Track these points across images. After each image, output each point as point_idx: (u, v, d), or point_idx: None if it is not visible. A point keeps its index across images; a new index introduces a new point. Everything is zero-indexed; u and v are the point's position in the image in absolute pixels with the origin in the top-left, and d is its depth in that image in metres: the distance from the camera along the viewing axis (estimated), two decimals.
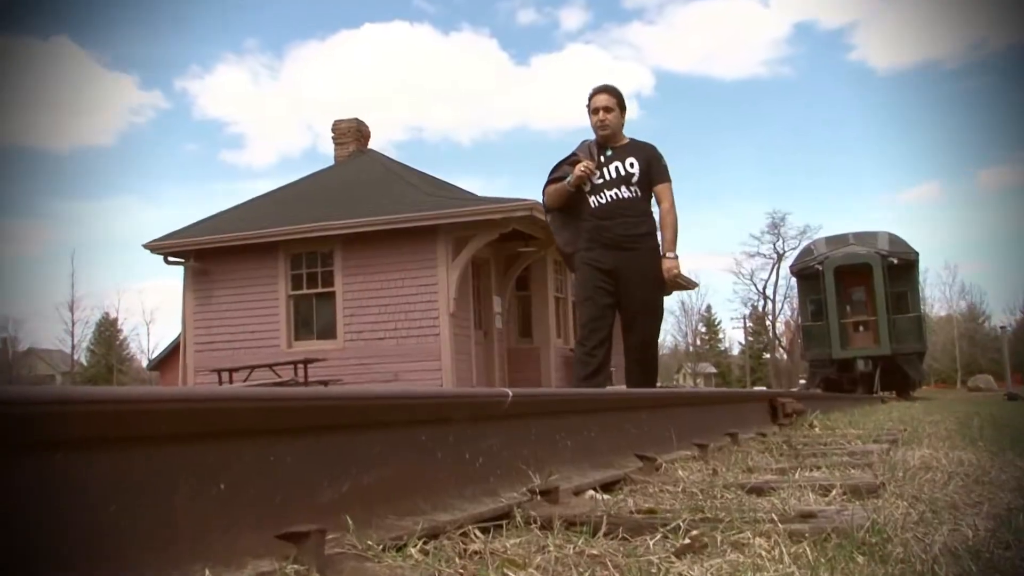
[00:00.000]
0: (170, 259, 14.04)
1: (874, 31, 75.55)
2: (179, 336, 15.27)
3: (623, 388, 4.76)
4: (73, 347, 47.73)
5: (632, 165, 4.46)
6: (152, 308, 61.13)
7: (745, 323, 58.93)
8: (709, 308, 65.18)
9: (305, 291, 13.39)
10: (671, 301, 54.73)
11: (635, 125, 71.02)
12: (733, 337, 69.49)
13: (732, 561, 1.25)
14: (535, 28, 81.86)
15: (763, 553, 1.28)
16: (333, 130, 16.79)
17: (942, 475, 2.24)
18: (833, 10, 78.99)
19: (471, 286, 13.21)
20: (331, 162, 16.84)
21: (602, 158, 4.50)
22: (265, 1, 77.67)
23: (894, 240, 19.60)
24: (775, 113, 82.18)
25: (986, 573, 1.15)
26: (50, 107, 62.17)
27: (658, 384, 5.21)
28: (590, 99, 4.56)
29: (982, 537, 1.36)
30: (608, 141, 4.53)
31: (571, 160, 4.55)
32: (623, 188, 4.44)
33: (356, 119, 16.84)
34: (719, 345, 66.93)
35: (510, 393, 1.79)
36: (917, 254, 19.77)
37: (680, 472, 2.35)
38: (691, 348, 64.67)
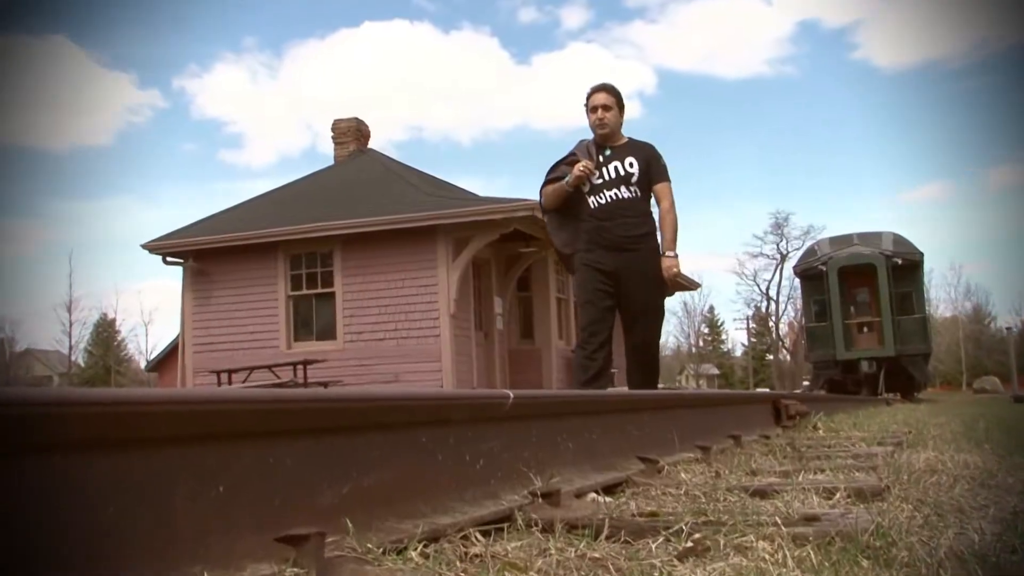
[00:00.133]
0: (169, 259, 14.06)
1: (878, 30, 75.56)
2: (178, 337, 15.28)
3: (625, 390, 4.76)
4: (71, 348, 47.80)
5: (631, 165, 4.44)
6: (150, 309, 61.31)
7: (748, 324, 58.90)
8: (712, 309, 65.20)
9: (305, 292, 13.40)
10: (673, 302, 54.82)
11: (637, 124, 70.99)
12: (736, 338, 69.57)
13: (735, 565, 1.24)
14: (536, 27, 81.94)
15: (766, 557, 1.28)
16: (333, 129, 16.80)
17: (948, 478, 2.24)
18: (836, 9, 79.08)
19: (472, 287, 13.22)
20: (331, 162, 16.85)
21: (601, 158, 4.48)
22: None
23: (898, 240, 19.59)
24: (778, 112, 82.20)
25: None
26: (48, 106, 62.29)
27: (660, 385, 5.21)
28: (588, 98, 4.54)
29: (988, 541, 1.36)
30: (607, 140, 4.51)
31: (569, 160, 4.52)
32: (623, 188, 4.42)
33: (356, 118, 16.85)
34: (722, 346, 66.91)
35: (511, 395, 1.79)
36: (922, 254, 19.76)
37: (683, 474, 2.35)
38: (694, 349, 64.66)
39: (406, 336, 12.62)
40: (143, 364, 46.62)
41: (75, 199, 74.80)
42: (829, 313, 18.83)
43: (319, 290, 13.31)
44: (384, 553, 1.25)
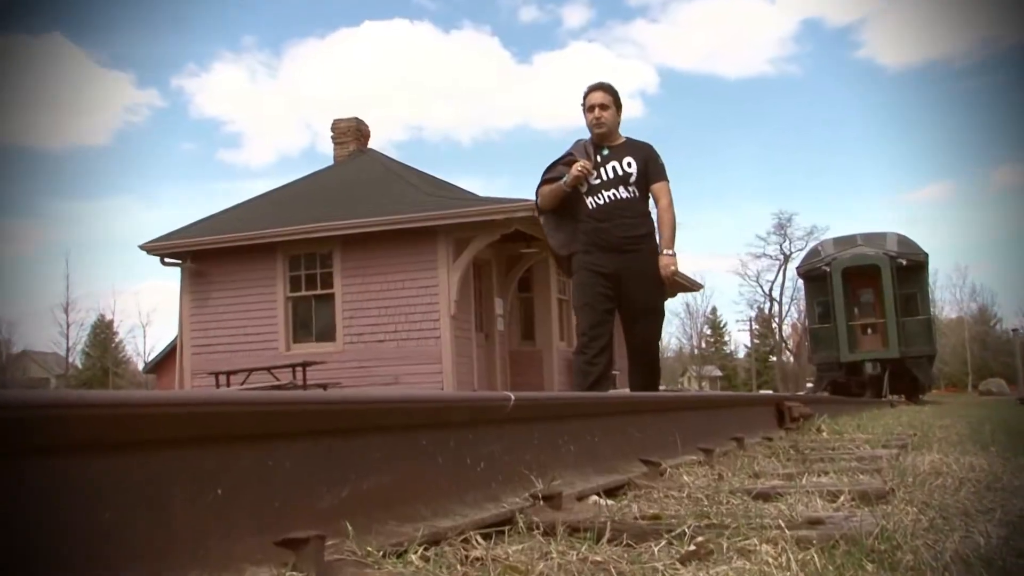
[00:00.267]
0: (167, 260, 14.07)
1: (882, 28, 75.56)
2: (176, 338, 15.29)
3: (627, 391, 4.76)
4: (68, 349, 47.78)
5: (630, 165, 4.41)
6: (148, 310, 61.33)
7: (751, 325, 58.89)
8: (714, 310, 65.19)
9: (304, 293, 13.41)
10: (676, 303, 54.82)
11: (639, 124, 71.15)
12: (739, 340, 69.43)
13: (738, 568, 1.24)
14: (537, 26, 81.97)
15: (770, 560, 1.28)
16: (332, 129, 16.82)
17: (953, 481, 2.24)
18: (840, 7, 78.97)
19: (472, 288, 13.22)
20: (330, 162, 16.86)
21: (598, 158, 4.44)
22: None
23: (903, 241, 19.58)
24: (781, 112, 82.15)
25: None
26: (45, 106, 62.35)
27: (662, 387, 5.21)
28: (585, 97, 4.51)
29: (994, 544, 1.36)
30: (604, 140, 4.48)
31: (566, 160, 4.49)
32: (621, 188, 4.39)
33: (356, 118, 16.87)
34: (724, 348, 66.89)
35: (512, 396, 1.79)
36: (927, 255, 19.75)
37: (685, 477, 2.35)
38: (696, 351, 64.65)
39: (406, 338, 12.63)
40: (141, 366, 46.64)
41: (73, 199, 74.92)
42: (833, 314, 18.82)
43: (318, 291, 13.31)
44: (384, 556, 1.25)
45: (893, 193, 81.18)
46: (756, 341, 59.77)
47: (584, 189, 4.43)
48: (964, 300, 62.05)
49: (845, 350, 18.55)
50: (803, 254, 26.65)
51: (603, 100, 4.46)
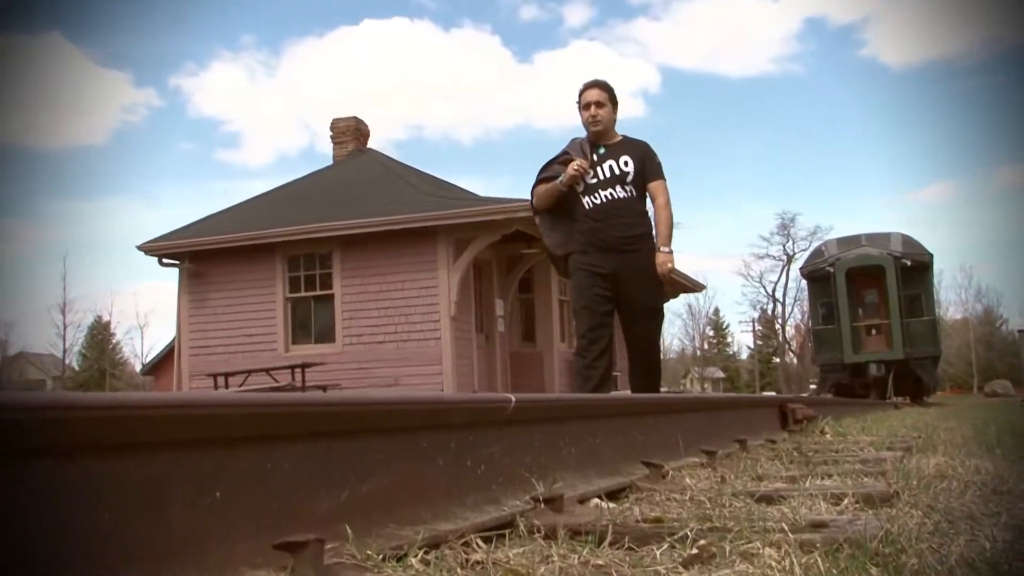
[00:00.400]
0: (165, 261, 14.07)
1: (886, 26, 75.55)
2: (174, 340, 15.30)
3: (628, 393, 4.76)
4: (65, 351, 47.85)
5: (626, 163, 4.38)
6: (146, 311, 61.42)
7: (754, 326, 58.88)
8: (717, 311, 65.18)
9: (303, 294, 13.41)
10: (678, 304, 54.82)
11: (641, 123, 71.12)
12: (742, 341, 69.36)
13: (741, 572, 1.24)
14: (538, 24, 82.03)
15: (773, 564, 1.27)
16: (331, 129, 16.82)
17: (958, 484, 2.24)
18: (843, 6, 79.03)
19: (473, 289, 13.22)
20: (329, 161, 16.87)
21: (595, 156, 4.42)
22: None
23: (907, 241, 19.57)
24: (784, 111, 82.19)
25: None
26: (42, 105, 62.40)
27: (664, 389, 5.21)
28: (580, 95, 4.48)
29: (1000, 548, 1.36)
30: (600, 138, 4.46)
31: (562, 159, 4.47)
32: (618, 188, 4.36)
33: (355, 118, 16.87)
34: (727, 349, 66.86)
35: (513, 398, 1.79)
36: (931, 255, 19.74)
37: (687, 480, 2.35)
38: (698, 352, 64.64)
39: (406, 339, 12.63)
40: (138, 367, 46.62)
41: (70, 199, 74.95)
42: (837, 315, 18.81)
43: (318, 292, 13.31)
44: (384, 560, 1.25)
45: (897, 193, 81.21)
46: (759, 342, 59.75)
47: (580, 188, 4.40)
48: (969, 301, 62.04)
49: (849, 351, 18.54)
50: (806, 254, 26.64)
51: (599, 98, 4.43)
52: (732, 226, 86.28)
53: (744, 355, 65.17)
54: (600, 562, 1.32)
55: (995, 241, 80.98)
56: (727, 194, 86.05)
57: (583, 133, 4.57)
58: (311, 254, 13.33)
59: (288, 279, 13.45)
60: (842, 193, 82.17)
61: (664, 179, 4.47)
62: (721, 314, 65.42)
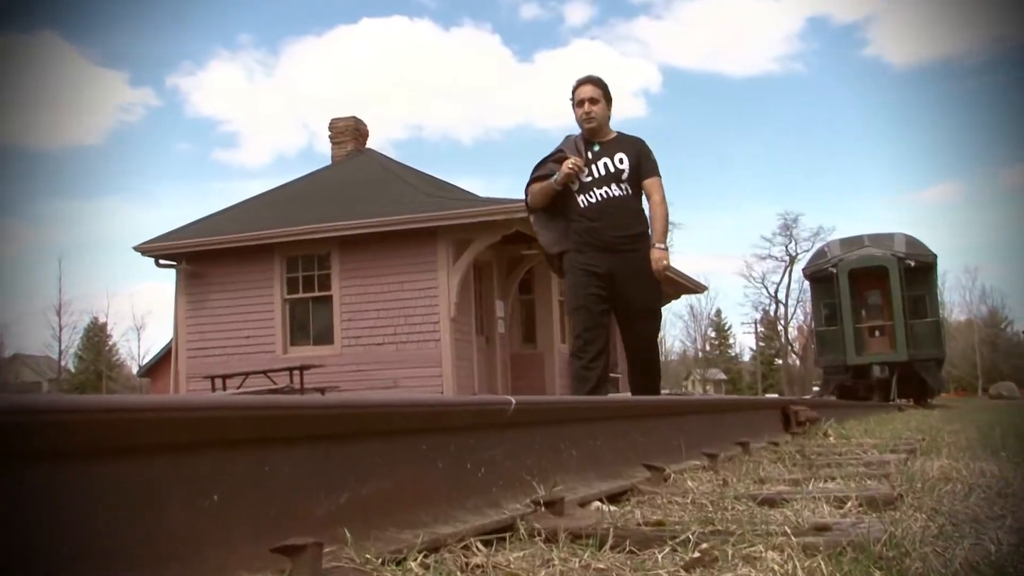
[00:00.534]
0: (162, 262, 14.07)
1: (889, 26, 75.58)
2: (171, 341, 15.31)
3: (628, 396, 4.76)
4: (60, 353, 47.84)
5: (621, 161, 4.35)
6: (143, 312, 61.41)
7: (756, 328, 58.88)
8: (719, 312, 65.20)
9: (301, 295, 13.41)
10: (680, 305, 54.81)
11: (642, 123, 71.12)
12: (744, 342, 69.44)
13: None
14: (539, 23, 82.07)
15: (776, 568, 1.27)
16: (330, 129, 16.83)
17: (963, 487, 2.24)
18: (846, 4, 79.06)
19: (473, 290, 13.22)
20: (328, 161, 16.87)
21: (589, 154, 4.39)
22: None
23: (911, 242, 19.57)
24: (786, 110, 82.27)
25: None
26: (38, 105, 62.43)
27: (666, 391, 5.21)
28: (574, 91, 4.46)
29: (1005, 552, 1.35)
30: (595, 135, 4.43)
31: (556, 157, 4.44)
32: (613, 186, 4.33)
33: (354, 117, 16.88)
34: (729, 351, 66.88)
35: (513, 401, 1.79)
36: (935, 256, 19.73)
37: (689, 483, 2.35)
38: (700, 354, 64.63)
39: (405, 340, 12.63)
40: (135, 369, 46.65)
41: (66, 199, 75.00)
42: (840, 317, 18.80)
43: (316, 293, 13.32)
44: (383, 563, 1.25)
45: (900, 193, 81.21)
46: (761, 344, 59.75)
47: (575, 187, 4.37)
48: (974, 302, 62.07)
49: (852, 353, 18.53)
50: (809, 255, 26.65)
51: (593, 94, 4.40)
52: (734, 227, 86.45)
53: (746, 357, 65.21)
54: (601, 566, 1.32)
55: (1000, 242, 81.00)
56: (729, 194, 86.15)
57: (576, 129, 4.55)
58: (310, 255, 13.33)
59: (286, 280, 13.45)
60: (845, 193, 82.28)
61: (659, 176, 4.44)
62: (723, 315, 65.50)
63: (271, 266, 13.41)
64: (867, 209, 77.31)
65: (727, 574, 1.25)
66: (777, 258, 54.78)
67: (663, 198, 4.40)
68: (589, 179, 4.36)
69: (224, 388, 11.88)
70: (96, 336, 51.70)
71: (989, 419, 7.77)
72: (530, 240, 13.40)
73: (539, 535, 1.55)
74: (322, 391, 11.13)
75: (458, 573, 1.28)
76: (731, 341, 66.80)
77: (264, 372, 11.76)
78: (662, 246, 4.33)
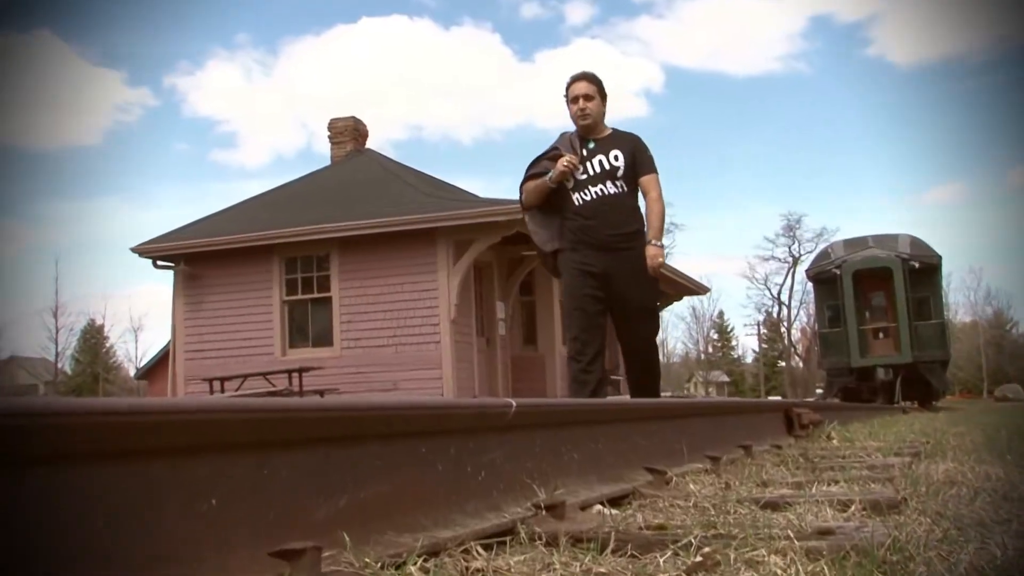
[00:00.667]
0: (159, 263, 14.08)
1: (893, 25, 75.60)
2: (168, 344, 15.30)
3: (629, 398, 4.76)
4: (57, 355, 47.83)
5: (617, 158, 4.33)
6: (140, 314, 61.28)
7: (759, 330, 58.88)
8: (721, 314, 65.18)
9: (300, 296, 13.41)
10: (682, 307, 54.80)
11: (644, 123, 71.13)
12: (747, 344, 69.42)
13: None
14: (539, 22, 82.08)
15: (779, 572, 1.27)
16: (329, 129, 16.84)
17: (968, 490, 2.23)
18: (850, 3, 79.11)
19: (473, 291, 13.22)
20: (327, 162, 16.88)
21: (584, 151, 4.36)
22: None
23: (916, 243, 19.57)
24: (789, 110, 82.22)
25: None
26: (34, 104, 62.47)
27: (668, 393, 5.22)
28: (568, 88, 4.43)
29: (1011, 557, 1.35)
30: (589, 132, 4.41)
31: (551, 154, 4.41)
32: (608, 183, 4.31)
33: (353, 117, 16.89)
34: (732, 353, 66.88)
35: (514, 403, 1.79)
36: (940, 257, 19.74)
37: (691, 486, 2.35)
38: (703, 356, 64.62)
39: (405, 342, 12.63)
40: (132, 372, 46.69)
41: (63, 200, 75.01)
42: (843, 318, 18.80)
43: (315, 295, 13.32)
44: (382, 568, 1.25)
45: (904, 194, 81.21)
46: (764, 346, 59.74)
47: (570, 185, 4.34)
48: (979, 304, 62.02)
49: (856, 355, 18.53)
50: (812, 256, 26.65)
51: (587, 90, 4.38)
52: (736, 227, 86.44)
53: (749, 359, 65.18)
54: (602, 570, 1.32)
55: (1007, 243, 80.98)
56: (731, 195, 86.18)
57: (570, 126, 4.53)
58: (308, 256, 13.33)
59: (285, 282, 13.45)
60: (848, 194, 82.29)
61: (656, 172, 4.42)
62: (725, 317, 65.49)
63: (270, 267, 13.42)
64: (871, 210, 77.37)
65: None
66: (780, 259, 54.79)
67: (660, 195, 4.38)
68: (584, 177, 4.33)
69: (222, 391, 11.88)
70: (93, 338, 51.72)
71: (994, 422, 7.76)
72: (531, 241, 13.39)
73: (540, 539, 1.55)
74: (321, 393, 11.13)
75: None
76: (734, 343, 66.86)
77: (263, 374, 11.77)
78: (658, 243, 4.31)
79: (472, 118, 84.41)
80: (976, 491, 2.21)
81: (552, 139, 4.59)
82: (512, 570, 1.32)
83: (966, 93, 73.65)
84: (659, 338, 4.81)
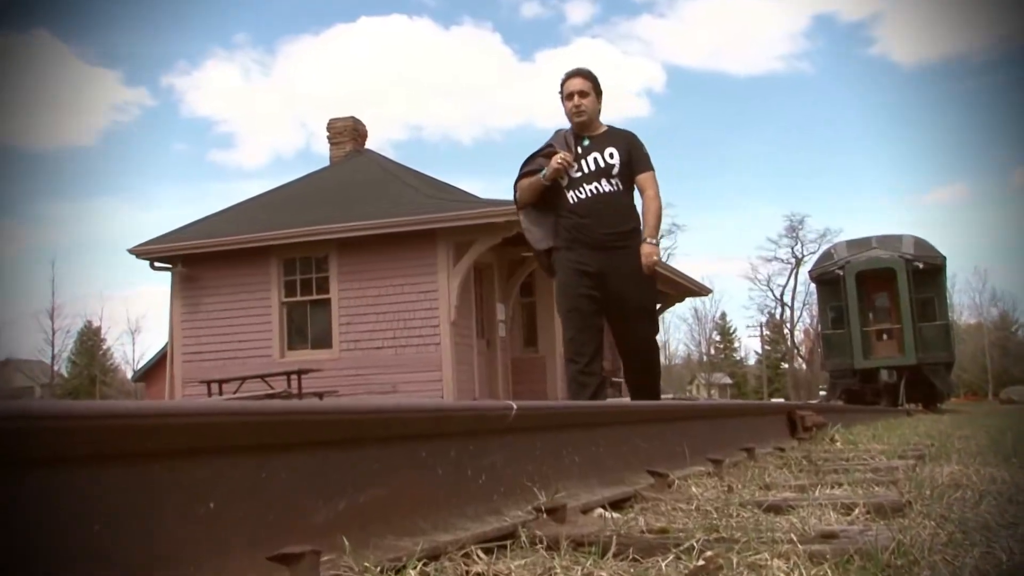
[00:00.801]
0: (157, 264, 14.09)
1: (896, 24, 75.63)
2: (166, 346, 15.30)
3: (630, 400, 4.76)
4: (53, 357, 47.86)
5: (612, 156, 4.30)
6: (138, 316, 61.30)
7: (762, 331, 58.87)
8: (724, 315, 65.19)
9: (299, 298, 13.42)
10: (684, 308, 54.83)
11: (645, 123, 71.11)
12: (749, 346, 69.53)
13: None
14: (540, 22, 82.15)
15: (781, 575, 1.27)
16: (328, 129, 16.86)
17: (973, 493, 2.23)
18: (852, 2, 79.11)
19: (473, 293, 13.22)
20: (326, 162, 16.90)
21: (579, 149, 4.34)
22: None
23: (919, 243, 19.58)
24: (791, 110, 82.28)
25: None
26: (30, 104, 62.49)
27: (669, 396, 5.21)
28: (563, 84, 4.42)
29: (1017, 561, 1.35)
30: (584, 129, 4.39)
31: (546, 152, 4.39)
32: (603, 181, 4.28)
33: (352, 117, 16.91)
34: (734, 354, 66.86)
35: (514, 406, 1.79)
36: (944, 258, 19.74)
37: (694, 489, 2.35)
38: (705, 357, 64.62)
39: (405, 344, 12.63)
40: (130, 374, 46.72)
41: (59, 201, 75.06)
42: (847, 320, 18.80)
43: (314, 296, 13.32)
44: (382, 572, 1.25)
45: (909, 194, 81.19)
46: (767, 347, 59.73)
47: (565, 182, 4.32)
48: (984, 305, 61.97)
49: (859, 357, 18.53)
50: (816, 257, 26.64)
51: (582, 87, 4.37)
52: (739, 228, 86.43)
53: (752, 360, 65.20)
54: (604, 574, 1.32)
55: (1011, 243, 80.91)
56: (733, 195, 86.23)
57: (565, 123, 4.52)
58: (307, 257, 13.34)
59: (284, 283, 13.46)
60: (852, 194, 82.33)
61: (652, 170, 4.39)
62: (728, 318, 65.47)
63: (268, 269, 13.43)
64: (872, 210, 77.36)
65: None
66: (783, 260, 54.88)
67: (656, 193, 4.36)
68: (579, 174, 4.31)
69: (220, 393, 11.88)
70: (90, 340, 51.72)
71: (1000, 424, 7.76)
72: None
73: (541, 543, 1.55)
74: (320, 396, 11.13)
75: None
76: (736, 345, 66.84)
77: (261, 376, 11.77)
78: (653, 241, 4.29)
79: (472, 118, 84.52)
80: (981, 494, 2.21)
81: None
82: (513, 574, 1.32)
83: (968, 93, 73.77)
84: (661, 340, 4.80)
